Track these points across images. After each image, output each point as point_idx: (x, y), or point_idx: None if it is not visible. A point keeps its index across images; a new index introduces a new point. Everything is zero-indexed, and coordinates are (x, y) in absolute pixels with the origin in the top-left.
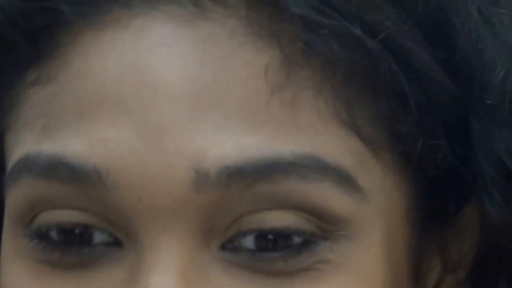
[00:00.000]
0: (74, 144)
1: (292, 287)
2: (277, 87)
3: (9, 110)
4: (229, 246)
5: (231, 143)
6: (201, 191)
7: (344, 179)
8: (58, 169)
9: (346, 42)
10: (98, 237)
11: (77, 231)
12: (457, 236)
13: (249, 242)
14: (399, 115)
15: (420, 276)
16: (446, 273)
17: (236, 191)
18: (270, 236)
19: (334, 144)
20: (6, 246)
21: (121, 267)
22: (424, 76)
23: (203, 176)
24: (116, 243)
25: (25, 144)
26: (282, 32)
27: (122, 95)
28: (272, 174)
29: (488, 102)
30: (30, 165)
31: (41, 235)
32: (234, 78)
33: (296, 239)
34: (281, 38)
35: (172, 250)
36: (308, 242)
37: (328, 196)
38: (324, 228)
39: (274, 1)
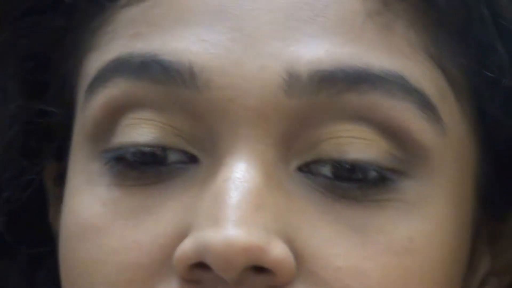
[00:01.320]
0: (169, 43)
1: (367, 217)
2: (374, 12)
3: (93, 33)
4: (306, 169)
5: (324, 50)
6: (291, 95)
7: (426, 105)
8: (150, 67)
9: None
10: (173, 156)
11: (152, 151)
12: (510, 240)
13: (326, 170)
14: (484, 67)
15: (470, 269)
16: (491, 275)
17: (324, 99)
18: (348, 166)
19: (419, 71)
20: (76, 178)
21: (196, 181)
22: None
23: (295, 79)
24: (191, 161)
25: (114, 50)
26: None
27: (222, 4)
28: (361, 84)
29: None
30: (120, 66)
31: (117, 158)
32: None
33: (373, 173)
34: None
35: (254, 155)
36: (385, 178)
37: (411, 118)
38: (404, 160)
39: None
